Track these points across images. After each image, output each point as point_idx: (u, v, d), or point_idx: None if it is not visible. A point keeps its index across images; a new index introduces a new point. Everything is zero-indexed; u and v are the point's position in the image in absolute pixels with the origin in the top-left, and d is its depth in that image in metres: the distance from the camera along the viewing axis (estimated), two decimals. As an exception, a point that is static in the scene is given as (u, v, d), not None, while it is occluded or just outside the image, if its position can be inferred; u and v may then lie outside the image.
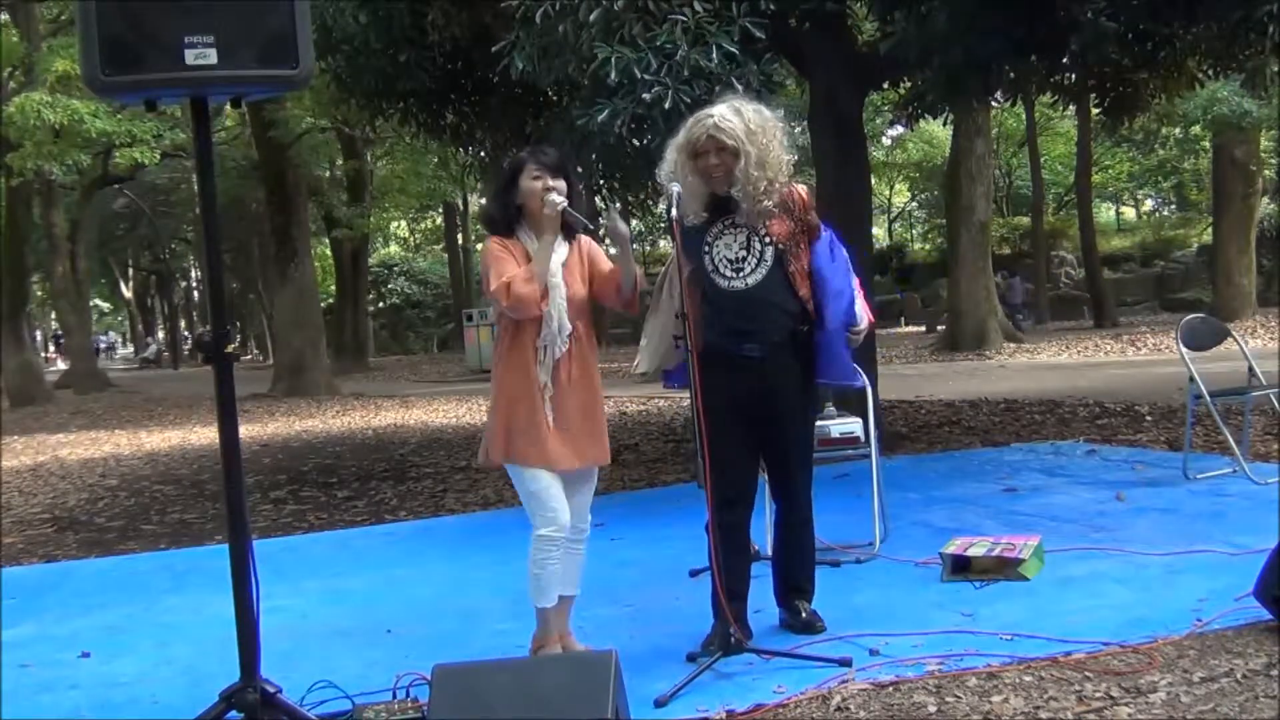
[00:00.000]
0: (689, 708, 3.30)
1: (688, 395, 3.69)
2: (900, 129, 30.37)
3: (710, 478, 3.51)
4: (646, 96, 5.62)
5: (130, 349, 58.56)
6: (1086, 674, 3.28)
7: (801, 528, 4.02)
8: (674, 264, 3.68)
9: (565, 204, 3.57)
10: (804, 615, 3.95)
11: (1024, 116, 26.86)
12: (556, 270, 3.61)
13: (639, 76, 5.68)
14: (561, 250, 3.65)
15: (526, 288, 3.52)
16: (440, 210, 36.92)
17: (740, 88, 5.93)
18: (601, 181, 7.36)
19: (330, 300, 32.26)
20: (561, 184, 3.60)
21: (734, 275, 3.73)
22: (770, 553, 4.20)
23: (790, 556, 4.03)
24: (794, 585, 4.02)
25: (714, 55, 5.77)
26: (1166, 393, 9.99)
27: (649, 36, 5.80)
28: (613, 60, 5.67)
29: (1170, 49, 7.29)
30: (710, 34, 5.83)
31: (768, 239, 3.74)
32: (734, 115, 3.70)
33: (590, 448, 3.72)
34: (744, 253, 3.74)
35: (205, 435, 13.80)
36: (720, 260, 3.74)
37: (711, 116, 3.70)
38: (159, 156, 21.25)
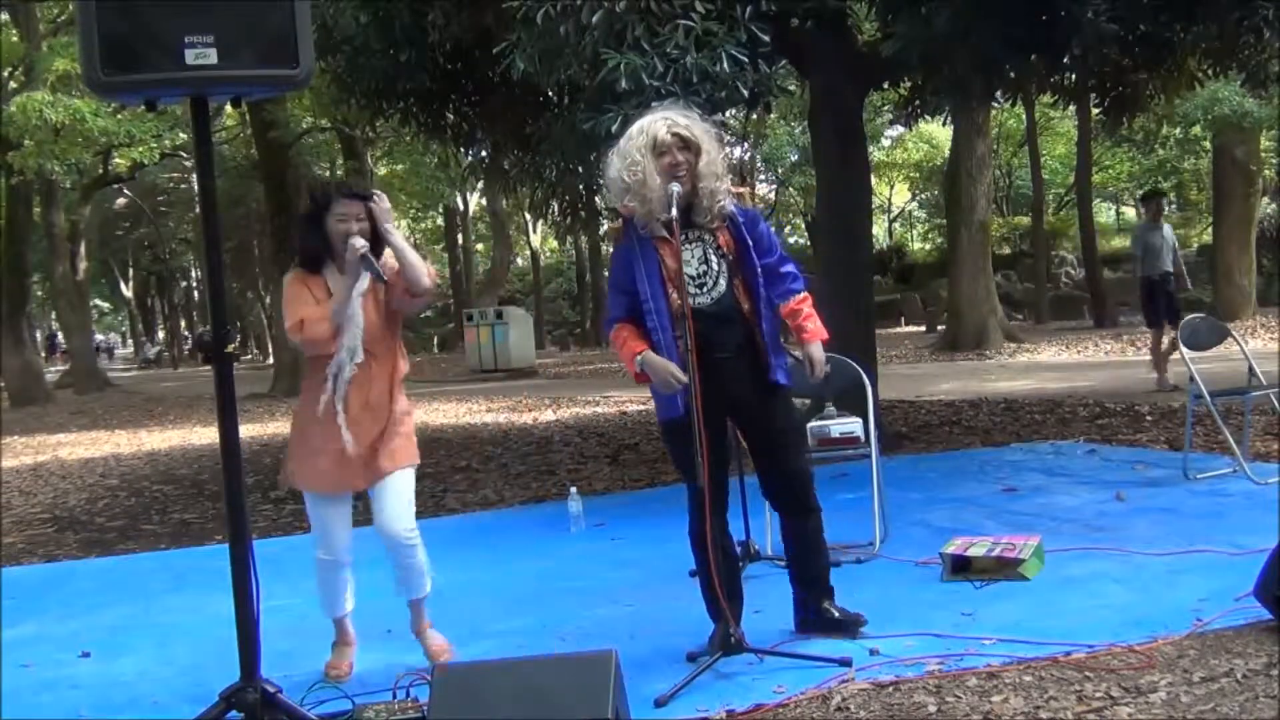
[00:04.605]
0: (689, 708, 3.31)
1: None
2: (900, 129, 30.37)
3: (703, 480, 3.51)
4: (656, 105, 5.60)
5: (130, 349, 58.55)
6: (1086, 674, 3.28)
7: (808, 515, 3.90)
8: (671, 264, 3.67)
9: (365, 249, 3.64)
10: (836, 614, 3.87)
11: (1024, 116, 26.85)
12: (355, 300, 3.69)
13: (647, 83, 5.67)
14: (363, 281, 3.70)
15: (318, 329, 3.68)
16: (440, 211, 36.90)
17: (746, 93, 5.94)
18: (600, 182, 7.36)
19: (330, 300, 32.19)
20: (366, 225, 3.69)
21: (698, 291, 3.72)
22: (777, 555, 4.15)
23: (807, 551, 3.92)
24: (814, 580, 3.92)
25: (723, 60, 5.76)
26: (1166, 393, 9.99)
27: (655, 41, 5.79)
28: (622, 67, 5.67)
29: (1170, 51, 7.30)
30: (717, 39, 5.83)
31: (721, 251, 3.78)
32: (684, 117, 3.79)
33: (382, 461, 3.83)
34: (704, 268, 3.75)
35: (205, 435, 13.80)
36: (684, 277, 3.72)
37: (666, 117, 3.77)
38: (159, 156, 21.25)
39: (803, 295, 3.90)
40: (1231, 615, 3.64)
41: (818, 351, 3.85)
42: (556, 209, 8.24)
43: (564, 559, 5.56)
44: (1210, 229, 24.84)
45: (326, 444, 3.73)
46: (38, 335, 38.21)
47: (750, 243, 3.78)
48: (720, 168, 3.77)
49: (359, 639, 4.32)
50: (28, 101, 16.33)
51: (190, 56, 2.78)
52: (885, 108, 22.08)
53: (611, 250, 3.75)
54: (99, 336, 50.90)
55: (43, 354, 47.00)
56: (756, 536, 4.94)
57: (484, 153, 9.39)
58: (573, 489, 6.41)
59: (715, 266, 3.76)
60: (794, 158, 27.11)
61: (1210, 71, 8.08)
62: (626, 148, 3.76)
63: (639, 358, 3.70)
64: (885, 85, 8.99)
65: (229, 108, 14.98)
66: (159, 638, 4.59)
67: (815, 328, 3.87)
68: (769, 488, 3.93)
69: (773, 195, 32.60)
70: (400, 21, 7.05)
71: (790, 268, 3.91)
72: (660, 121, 3.74)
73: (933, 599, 4.23)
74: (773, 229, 4.03)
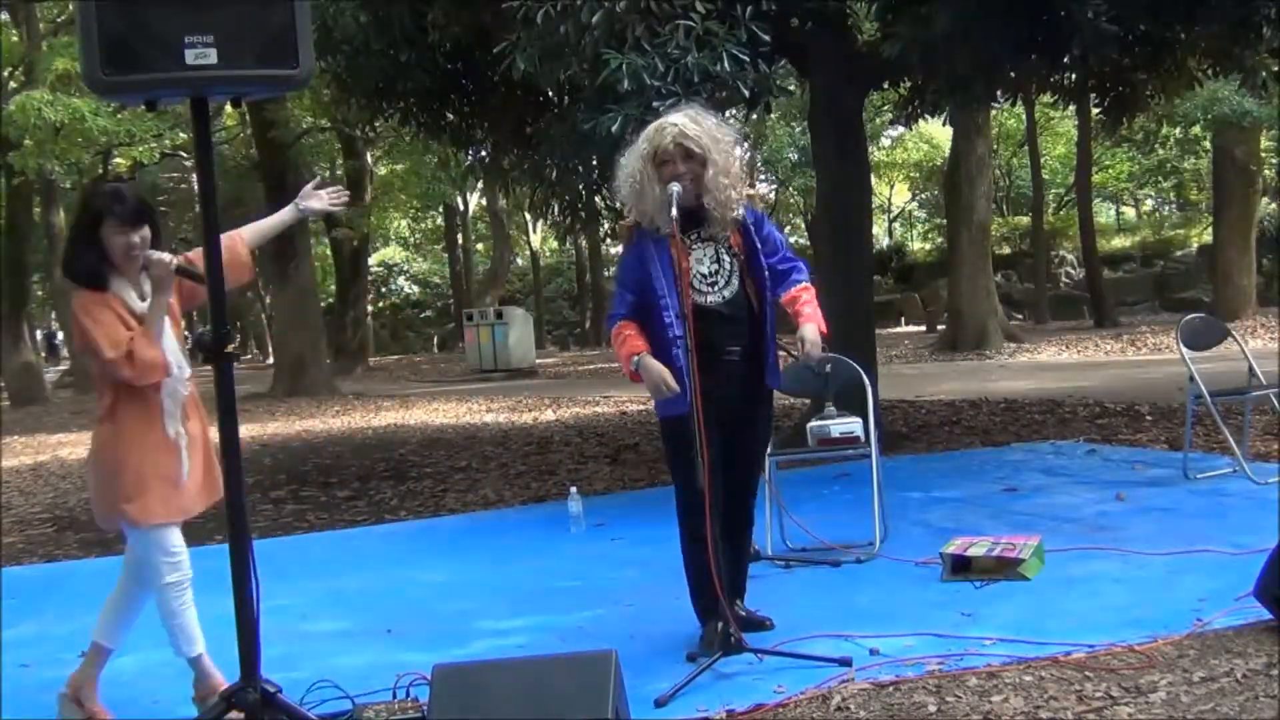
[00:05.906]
0: (689, 708, 3.31)
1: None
2: (900, 129, 30.36)
3: (705, 479, 3.57)
4: (658, 105, 5.60)
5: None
6: (1086, 674, 3.28)
7: (750, 528, 4.14)
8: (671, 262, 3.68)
9: (180, 262, 3.44)
10: (746, 614, 3.98)
11: (1024, 116, 26.85)
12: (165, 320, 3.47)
13: (648, 83, 5.67)
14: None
15: (151, 352, 3.34)
16: (440, 211, 36.90)
17: (747, 93, 5.94)
18: (600, 182, 7.36)
19: (330, 300, 32.25)
20: (146, 233, 3.44)
21: (709, 290, 3.76)
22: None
23: (740, 558, 4.06)
24: (738, 587, 4.03)
25: (724, 60, 5.76)
26: (1166, 393, 9.98)
27: (655, 41, 5.79)
28: (624, 67, 5.66)
29: (1170, 51, 7.30)
30: (718, 39, 5.83)
31: (734, 251, 3.81)
32: (695, 124, 3.72)
33: (218, 478, 3.55)
34: (715, 267, 3.79)
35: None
36: (694, 275, 3.74)
37: (675, 124, 3.71)
38: (159, 156, 21.24)
39: (804, 284, 3.89)
40: (1231, 615, 3.64)
41: (811, 332, 3.76)
42: (556, 209, 8.23)
43: (564, 559, 5.56)
44: (1210, 229, 24.84)
45: (173, 470, 3.47)
46: (38, 335, 38.20)
47: (759, 245, 3.81)
48: (735, 176, 3.74)
49: (359, 639, 4.32)
50: (27, 101, 16.32)
51: (190, 56, 2.78)
52: (885, 108, 22.04)
53: (620, 249, 3.76)
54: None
55: (43, 354, 46.99)
56: (757, 537, 4.93)
57: (484, 153, 9.38)
58: (573, 489, 6.41)
59: (728, 266, 3.79)
60: (794, 158, 27.17)
61: (1210, 71, 8.08)
62: (630, 153, 3.77)
63: (636, 359, 3.73)
64: (885, 85, 8.99)
65: (229, 108, 14.99)
66: (159, 638, 4.57)
67: (811, 313, 3.82)
68: (726, 496, 3.89)
69: (773, 195, 32.64)
70: (400, 21, 7.05)
71: (795, 264, 3.93)
72: (669, 128, 3.70)
73: (933, 599, 4.23)
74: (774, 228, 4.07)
